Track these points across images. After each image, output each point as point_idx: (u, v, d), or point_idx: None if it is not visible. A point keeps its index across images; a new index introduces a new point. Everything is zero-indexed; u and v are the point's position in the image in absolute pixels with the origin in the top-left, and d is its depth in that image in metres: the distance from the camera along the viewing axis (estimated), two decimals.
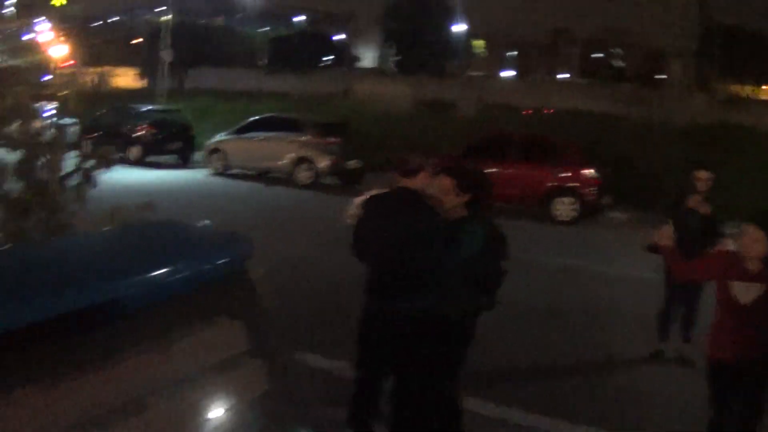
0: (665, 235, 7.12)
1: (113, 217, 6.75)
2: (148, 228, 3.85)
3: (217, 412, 2.83)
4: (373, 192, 7.21)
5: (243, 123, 31.93)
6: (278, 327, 3.46)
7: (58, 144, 6.62)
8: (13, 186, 6.53)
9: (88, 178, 6.90)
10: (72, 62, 68.28)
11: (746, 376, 6.50)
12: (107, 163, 7.09)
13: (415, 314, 6.54)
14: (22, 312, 2.30)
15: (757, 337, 6.46)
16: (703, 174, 10.80)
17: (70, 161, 6.77)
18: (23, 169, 6.57)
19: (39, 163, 6.64)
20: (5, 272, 2.73)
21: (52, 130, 6.84)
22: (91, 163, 7.02)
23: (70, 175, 6.77)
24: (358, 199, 7.32)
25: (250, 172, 31.11)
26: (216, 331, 2.95)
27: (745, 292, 6.54)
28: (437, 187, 6.85)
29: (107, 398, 2.42)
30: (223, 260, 3.17)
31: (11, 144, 6.56)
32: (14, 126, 6.80)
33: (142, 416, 2.50)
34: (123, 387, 2.48)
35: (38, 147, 6.56)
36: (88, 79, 71.99)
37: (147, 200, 6.83)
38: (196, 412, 2.73)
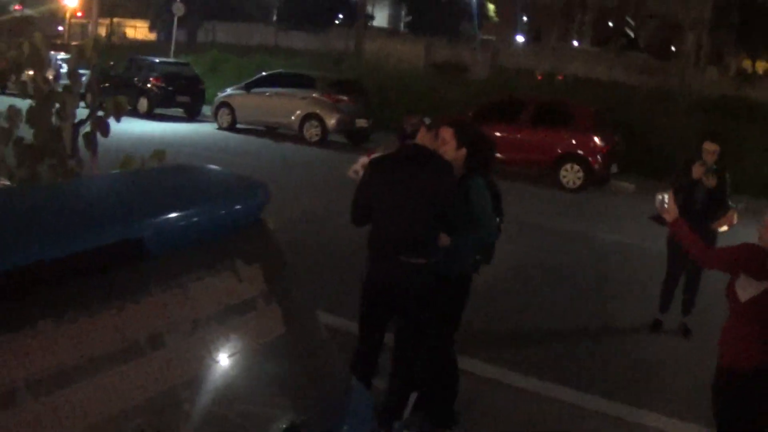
0: (671, 209, 6.68)
1: (125, 165, 6.79)
2: (167, 171, 3.87)
3: (233, 350, 2.89)
4: (377, 154, 7.23)
5: (252, 78, 31.93)
6: (294, 276, 3.53)
7: (72, 92, 6.65)
8: (26, 132, 6.58)
9: (100, 126, 6.93)
10: (82, 13, 68.24)
11: (742, 388, 5.81)
12: (120, 112, 7.12)
13: (421, 269, 6.63)
14: (46, 247, 2.34)
15: (753, 344, 5.74)
16: (710, 146, 10.68)
17: (82, 110, 6.81)
18: (36, 116, 6.61)
19: (52, 110, 6.68)
20: (28, 208, 2.78)
21: (64, 79, 6.88)
22: (103, 111, 7.04)
23: (82, 122, 6.79)
24: (364, 159, 7.34)
25: (257, 128, 31.13)
26: (233, 275, 2.99)
27: (746, 289, 5.78)
28: (438, 139, 6.96)
29: (128, 334, 2.48)
30: (242, 205, 3.21)
31: (25, 91, 6.60)
32: (28, 73, 6.85)
33: (161, 352, 2.56)
34: (143, 324, 2.54)
35: (52, 95, 6.59)
36: (100, 30, 72.01)
37: (159, 150, 6.86)
38: (213, 349, 2.79)
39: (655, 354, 10.34)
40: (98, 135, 6.89)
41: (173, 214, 2.85)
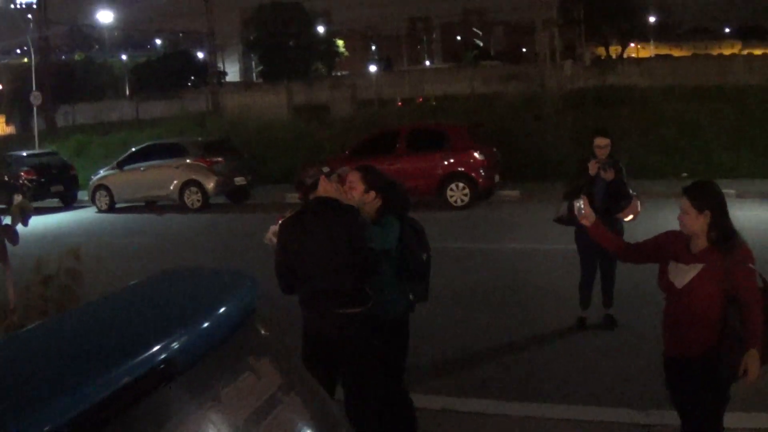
0: (587, 214, 6.66)
1: (40, 269, 6.68)
2: (161, 282, 3.74)
3: None
4: (287, 215, 7.21)
5: (123, 155, 31.37)
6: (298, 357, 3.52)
7: None
8: None
9: (8, 235, 6.80)
10: None
11: (691, 374, 5.91)
12: (27, 216, 7.00)
13: (356, 318, 6.64)
14: (82, 397, 2.26)
15: (698, 328, 5.82)
16: (601, 141, 10.86)
17: None
18: None
19: None
20: (51, 355, 2.67)
21: None
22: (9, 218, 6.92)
23: None
24: (274, 227, 7.32)
25: (138, 204, 30.70)
26: (252, 373, 2.96)
27: (680, 275, 5.92)
28: (346, 183, 7.02)
29: None
30: (241, 300, 3.17)
31: None
32: None
33: None
34: None
35: None
36: None
37: (73, 247, 6.76)
38: None
39: (587, 350, 10.49)
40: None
41: (190, 326, 2.80)
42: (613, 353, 10.23)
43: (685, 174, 24.87)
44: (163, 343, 2.60)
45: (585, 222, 6.72)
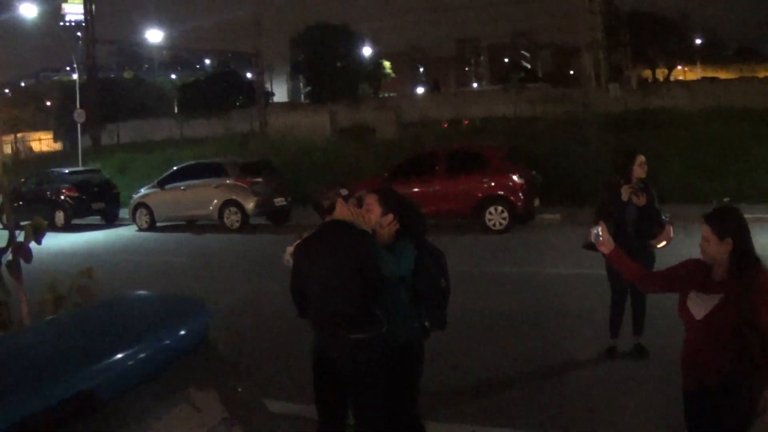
0: (605, 241, 6.63)
1: (52, 288, 6.60)
2: (104, 308, 3.63)
3: None
4: (305, 235, 7.12)
5: (165, 174, 31.50)
6: (249, 384, 3.38)
7: None
8: None
9: (22, 252, 6.72)
10: None
11: (710, 406, 5.70)
12: (40, 234, 6.91)
13: (366, 344, 6.52)
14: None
15: (718, 359, 5.61)
16: (641, 158, 10.63)
17: None
18: None
19: None
20: None
21: None
22: (23, 234, 6.84)
23: (3, 251, 6.58)
24: (290, 248, 7.23)
25: (178, 223, 30.76)
26: (190, 405, 2.82)
27: (699, 306, 5.72)
28: (364, 206, 6.91)
29: None
30: (185, 329, 3.04)
31: None
32: None
33: None
34: None
35: None
36: (5, 147, 71.45)
37: (87, 267, 6.66)
38: None
39: (615, 380, 10.27)
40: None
41: (119, 355, 2.67)
42: (640, 383, 10.00)
43: (727, 198, 24.50)
44: (84, 372, 2.49)
45: (603, 249, 6.55)
